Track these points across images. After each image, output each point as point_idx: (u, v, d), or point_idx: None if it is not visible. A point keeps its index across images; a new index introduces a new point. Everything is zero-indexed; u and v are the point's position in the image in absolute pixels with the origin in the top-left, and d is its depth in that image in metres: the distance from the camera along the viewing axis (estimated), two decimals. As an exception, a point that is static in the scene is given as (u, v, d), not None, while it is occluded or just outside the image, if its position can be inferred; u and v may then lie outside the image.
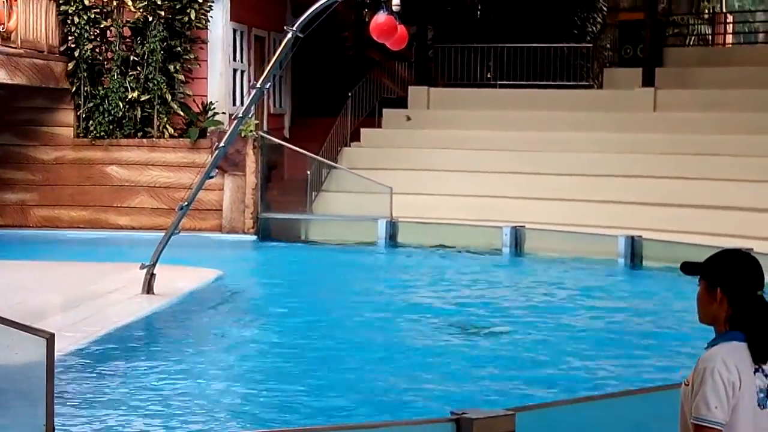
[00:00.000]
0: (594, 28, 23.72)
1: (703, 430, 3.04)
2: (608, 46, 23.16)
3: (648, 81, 17.80)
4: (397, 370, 8.25)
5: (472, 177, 16.16)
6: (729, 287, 3.16)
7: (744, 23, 26.37)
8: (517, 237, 14.15)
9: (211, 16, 15.79)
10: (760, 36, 25.58)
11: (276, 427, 6.57)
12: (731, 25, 25.10)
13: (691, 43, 23.77)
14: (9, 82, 14.02)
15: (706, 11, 26.39)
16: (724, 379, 3.05)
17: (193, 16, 15.46)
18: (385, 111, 18.82)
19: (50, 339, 4.60)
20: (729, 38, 24.22)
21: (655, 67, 18.04)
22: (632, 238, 13.27)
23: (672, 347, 9.04)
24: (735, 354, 3.11)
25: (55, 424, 4.53)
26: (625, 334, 9.79)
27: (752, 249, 11.44)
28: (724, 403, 3.05)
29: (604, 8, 24.29)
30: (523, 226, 14.30)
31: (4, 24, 13.68)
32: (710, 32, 24.31)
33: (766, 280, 3.26)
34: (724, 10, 26.41)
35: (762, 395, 3.15)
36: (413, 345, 9.16)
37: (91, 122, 15.55)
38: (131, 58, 15.52)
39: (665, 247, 12.56)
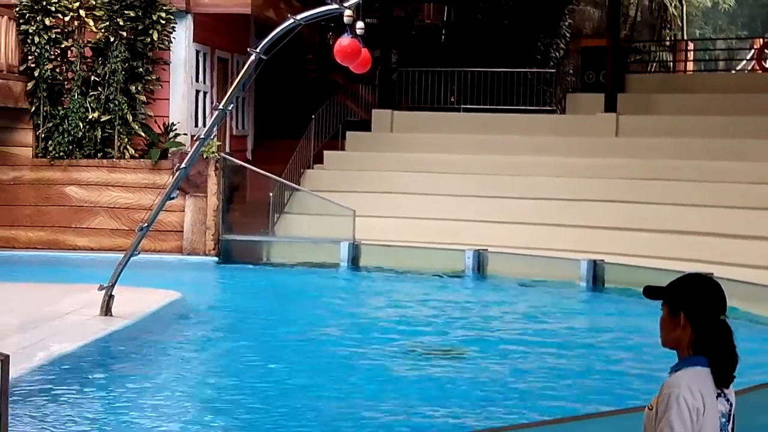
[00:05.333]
0: (557, 53, 24.02)
1: None
2: (571, 71, 23.47)
3: (610, 106, 18.00)
4: (351, 394, 8.20)
5: (435, 200, 16.21)
6: (692, 312, 3.19)
7: (704, 51, 26.86)
8: (480, 260, 14.22)
9: (174, 37, 15.79)
10: (720, 63, 26.07)
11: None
12: (692, 52, 25.55)
13: (652, 70, 24.14)
14: (-34, 100, 13.91)
15: (668, 39, 26.85)
16: (689, 404, 3.08)
17: (155, 36, 15.44)
18: (348, 134, 18.86)
19: (5, 361, 4.55)
20: (690, 65, 24.63)
21: (617, 92, 18.25)
22: (594, 261, 13.38)
23: (631, 370, 9.11)
24: (699, 379, 3.14)
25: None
26: (585, 356, 9.85)
27: (713, 273, 11.62)
28: (689, 428, 3.08)
29: (567, 34, 24.63)
30: (486, 250, 14.38)
31: (-38, 42, 13.58)
32: (671, 59, 24.70)
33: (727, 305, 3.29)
34: (685, 38, 26.88)
35: (723, 420, 3.19)
36: (370, 369, 9.11)
37: (50, 142, 15.44)
38: (92, 78, 15.45)
39: (627, 271, 12.67)
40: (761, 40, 25.25)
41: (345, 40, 10.07)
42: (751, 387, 5.99)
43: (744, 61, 25.05)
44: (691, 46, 25.85)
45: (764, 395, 5.85)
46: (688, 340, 3.18)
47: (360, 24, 10.06)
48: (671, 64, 24.42)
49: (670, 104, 18.15)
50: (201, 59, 16.75)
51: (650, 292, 3.29)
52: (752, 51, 24.66)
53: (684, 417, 3.07)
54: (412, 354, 9.82)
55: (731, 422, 3.24)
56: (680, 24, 27.77)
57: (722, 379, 3.17)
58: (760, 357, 8.86)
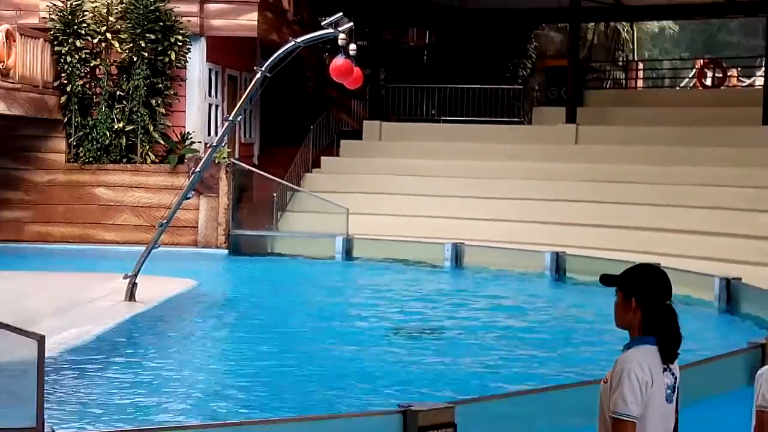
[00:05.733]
0: (524, 72, 24.06)
1: (620, 422, 3.08)
2: (536, 88, 23.50)
3: (570, 118, 18.06)
4: (349, 367, 8.19)
5: (418, 200, 16.22)
6: (642, 297, 3.20)
7: (652, 70, 26.94)
8: (458, 252, 14.21)
9: (190, 57, 15.74)
10: (666, 81, 26.15)
11: (238, 419, 6.51)
12: (642, 71, 25.63)
13: (607, 87, 24.21)
14: (7, 113, 13.85)
15: (620, 59, 26.92)
16: (639, 378, 3.09)
17: (173, 56, 15.40)
18: (342, 142, 18.86)
19: (41, 340, 4.54)
20: (640, 83, 24.71)
21: (576, 106, 18.30)
22: (557, 253, 13.39)
23: (588, 347, 9.13)
24: (648, 356, 3.15)
25: (44, 417, 4.45)
26: (548, 334, 9.86)
27: (660, 263, 11.67)
28: (639, 400, 3.09)
29: (533, 55, 24.69)
30: (463, 243, 14.37)
31: (3, 62, 13.53)
32: (624, 77, 24.77)
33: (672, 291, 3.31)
34: (635, 59, 26.94)
35: (669, 391, 3.21)
36: (363, 346, 9.09)
37: (81, 149, 15.38)
38: (117, 93, 15.41)
39: (585, 262, 12.69)
40: (701, 60, 25.35)
41: (339, 60, 10.08)
42: (692, 363, 6.02)
43: (686, 79, 25.13)
44: (641, 66, 25.93)
45: (705, 369, 5.87)
46: (639, 322, 3.19)
47: (352, 46, 10.07)
48: (624, 81, 24.48)
49: (622, 116, 18.23)
50: (213, 76, 16.71)
51: (606, 279, 3.31)
52: (694, 70, 24.74)
53: (635, 389, 3.09)
54: (397, 332, 9.82)
55: (675, 392, 3.27)
56: (631, 47, 27.84)
57: (668, 355, 3.18)
58: (700, 335, 8.91)
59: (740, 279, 10.68)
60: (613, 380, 3.16)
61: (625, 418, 3.09)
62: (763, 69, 17.99)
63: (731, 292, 10.51)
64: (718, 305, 10.58)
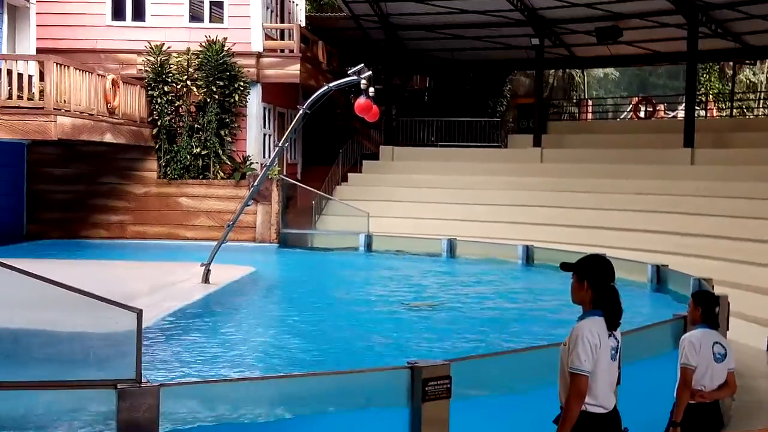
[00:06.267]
0: (501, 108, 24.01)
1: (576, 376, 3.10)
2: (510, 120, 23.45)
3: (537, 143, 18.01)
4: (367, 333, 8.17)
5: (422, 206, 16.23)
6: (592, 280, 3.22)
7: (599, 105, 26.77)
8: (451, 246, 14.14)
9: (249, 98, 15.79)
10: (610, 114, 26.00)
11: (289, 371, 6.51)
12: (591, 106, 25.50)
13: (564, 118, 24.11)
14: (114, 141, 13.95)
15: (574, 98, 26.79)
16: (590, 342, 3.12)
17: (237, 98, 15.45)
18: (364, 162, 18.87)
19: (139, 314, 4.53)
20: (590, 115, 24.59)
21: (541, 134, 18.26)
22: (527, 246, 13.32)
23: (552, 317, 9.10)
24: (596, 325, 3.18)
25: (141, 370, 4.48)
26: (521, 309, 9.80)
27: (606, 254, 11.60)
28: (590, 358, 3.12)
29: (508, 95, 24.63)
30: (455, 238, 14.34)
31: (111, 103, 13.61)
32: (577, 111, 24.66)
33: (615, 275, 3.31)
34: (586, 97, 26.81)
35: (613, 352, 3.23)
36: (379, 316, 9.08)
37: (168, 168, 15.45)
38: (195, 125, 15.46)
39: (548, 253, 12.62)
40: (636, 98, 25.18)
41: (362, 99, 10.08)
42: (630, 330, 5.98)
43: (625, 113, 24.97)
44: (590, 102, 25.80)
45: (641, 336, 5.80)
46: (589, 299, 3.21)
47: (372, 89, 10.07)
48: (577, 114, 24.37)
49: (576, 141, 18.16)
50: (267, 113, 16.74)
51: (564, 266, 3.33)
52: (630, 106, 24.59)
53: (587, 350, 3.11)
54: (405, 305, 9.80)
55: (618, 352, 3.28)
56: (583, 88, 27.69)
57: (612, 324, 3.20)
58: (636, 309, 8.85)
59: (667, 266, 10.61)
60: (570, 344, 3.17)
61: (580, 372, 3.11)
62: (684, 104, 17.85)
63: (660, 275, 10.45)
64: (650, 286, 10.51)
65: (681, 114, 21.68)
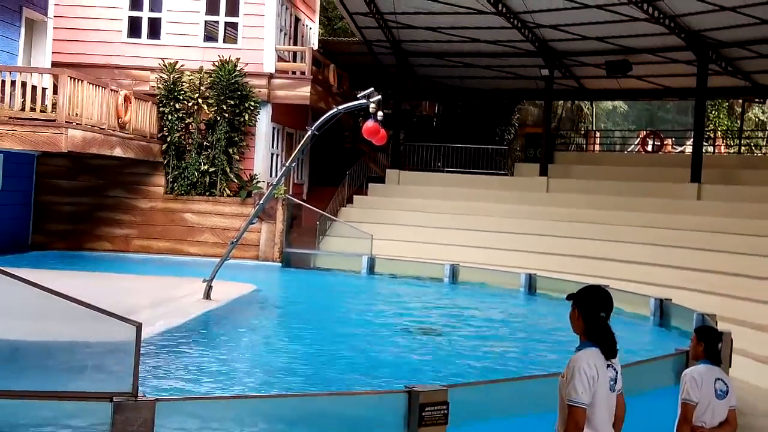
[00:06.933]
0: (509, 136, 24.11)
1: (574, 408, 3.08)
2: (518, 148, 23.53)
3: (543, 172, 18.03)
4: (366, 356, 8.15)
5: (426, 230, 16.21)
6: (582, 309, 3.22)
7: (607, 137, 26.86)
8: (454, 271, 14.11)
9: (259, 118, 15.91)
10: (617, 147, 26.07)
11: (286, 390, 6.49)
12: (598, 138, 25.57)
13: (571, 149, 24.18)
14: (123, 155, 14.05)
15: (582, 129, 26.89)
16: (587, 374, 3.09)
17: (247, 117, 15.58)
18: (370, 185, 18.91)
19: (139, 327, 4.53)
20: (597, 147, 24.65)
21: (548, 163, 18.28)
22: (530, 274, 13.28)
23: (552, 346, 9.03)
24: (593, 356, 3.15)
25: (138, 384, 4.46)
26: (521, 337, 9.74)
27: (608, 285, 11.55)
28: (588, 390, 3.08)
29: (516, 124, 24.74)
30: (459, 264, 14.30)
31: (122, 118, 13.75)
32: (585, 142, 24.72)
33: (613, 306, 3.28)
34: (594, 129, 26.91)
35: (612, 382, 3.19)
36: (379, 340, 9.05)
37: (175, 184, 15.52)
38: (204, 143, 15.57)
39: (551, 282, 12.58)
40: (644, 132, 25.26)
41: (370, 123, 10.14)
42: (631, 363, 5.92)
43: (633, 146, 25.04)
44: (598, 134, 25.87)
45: (642, 369, 5.73)
46: (582, 329, 3.20)
47: (380, 113, 10.14)
48: (584, 145, 24.44)
49: (583, 172, 18.17)
50: (276, 133, 16.81)
51: (568, 297, 3.32)
52: (638, 139, 24.66)
53: (584, 382, 3.08)
54: (406, 330, 9.77)
55: (617, 382, 3.25)
56: (591, 120, 27.81)
57: (607, 354, 3.17)
58: (638, 342, 8.78)
59: (671, 299, 10.54)
60: (567, 375, 3.15)
61: (577, 405, 3.08)
62: (692, 140, 17.88)
63: (663, 309, 10.38)
64: (653, 319, 10.44)
65: (689, 149, 21.71)
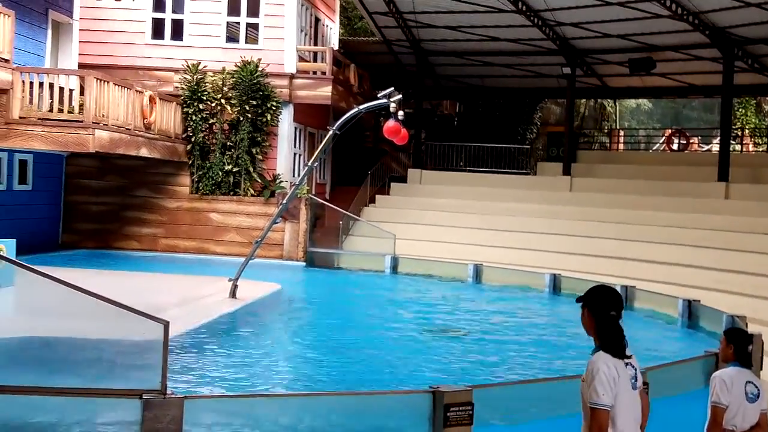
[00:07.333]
0: (531, 135, 23.94)
1: (596, 410, 3.05)
2: (540, 147, 23.36)
3: (566, 171, 17.88)
4: (390, 356, 8.14)
5: (449, 230, 16.16)
6: (592, 308, 3.19)
7: (631, 136, 26.53)
8: (478, 271, 14.05)
9: (281, 118, 16.00)
10: (642, 145, 25.74)
11: (305, 390, 6.49)
12: (622, 137, 25.28)
13: (595, 148, 23.93)
14: (149, 156, 14.24)
15: (606, 128, 26.60)
16: (607, 375, 3.06)
17: (269, 117, 15.68)
18: (392, 184, 18.91)
19: (166, 325, 4.59)
20: (621, 146, 24.37)
21: (571, 162, 18.12)
22: (554, 274, 13.17)
23: (576, 347, 8.93)
24: (610, 356, 3.13)
25: (167, 382, 4.51)
26: (546, 338, 9.65)
27: (634, 285, 11.40)
28: (609, 392, 3.05)
29: (538, 123, 24.56)
30: (482, 264, 14.24)
31: (147, 118, 13.92)
32: (608, 141, 24.45)
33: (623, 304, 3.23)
34: (617, 127, 26.59)
35: (633, 380, 3.16)
36: (402, 340, 9.03)
37: (200, 184, 15.67)
38: (228, 143, 15.69)
39: (576, 282, 12.46)
40: (669, 130, 24.90)
41: (391, 122, 10.13)
42: (660, 365, 5.83)
43: (657, 144, 24.69)
44: (621, 133, 25.57)
45: (671, 371, 5.65)
46: (594, 330, 3.17)
47: (401, 112, 10.12)
48: (608, 144, 24.17)
49: (606, 171, 17.98)
50: (298, 133, 16.89)
51: (577, 300, 3.29)
52: (663, 138, 24.32)
53: (604, 384, 3.05)
54: (430, 330, 9.74)
55: (638, 380, 3.22)
56: (614, 118, 27.49)
57: (616, 353, 3.13)
58: (667, 344, 8.66)
59: (699, 301, 10.38)
60: (588, 378, 3.12)
61: (599, 407, 3.06)
62: (719, 138, 17.59)
63: (692, 311, 10.22)
64: (681, 321, 10.29)
65: (715, 148, 21.36)
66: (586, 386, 3.10)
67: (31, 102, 12.02)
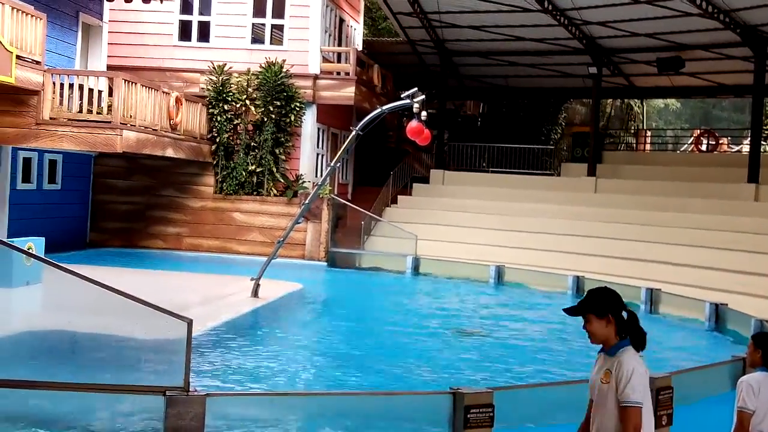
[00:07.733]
0: (556, 135, 23.73)
1: (631, 409, 3.06)
2: (565, 148, 23.13)
3: (591, 172, 17.69)
4: (411, 356, 8.12)
5: (471, 231, 16.10)
6: (613, 312, 3.16)
7: (658, 137, 26.16)
8: (500, 272, 14.00)
9: (304, 119, 16.09)
10: (669, 146, 25.35)
11: (327, 389, 6.51)
12: (649, 138, 24.93)
13: (621, 149, 23.63)
14: (174, 156, 14.41)
15: (632, 128, 26.25)
16: (641, 374, 3.09)
17: (293, 118, 15.77)
18: (414, 185, 18.89)
19: (190, 323, 4.66)
20: (648, 146, 24.04)
21: (596, 163, 17.93)
22: (577, 277, 13.06)
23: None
24: (634, 354, 3.15)
25: (190, 379, 4.56)
26: (568, 340, 9.52)
27: (661, 288, 11.20)
28: (642, 390, 3.10)
29: (563, 123, 24.33)
30: (504, 265, 14.16)
31: (173, 119, 14.10)
32: (635, 142, 24.14)
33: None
34: (644, 128, 26.23)
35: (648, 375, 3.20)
36: (424, 340, 9.02)
37: (224, 184, 15.82)
38: (252, 144, 15.82)
39: (599, 284, 12.32)
40: (698, 131, 24.49)
41: (414, 123, 10.14)
42: (687, 369, 5.73)
43: (686, 145, 24.30)
44: (648, 133, 25.22)
45: (698, 375, 5.55)
46: (614, 331, 3.14)
47: (424, 113, 10.11)
48: (634, 145, 23.85)
49: (632, 173, 17.76)
50: (321, 133, 16.95)
51: (573, 311, 3.21)
52: (692, 138, 23.92)
53: (641, 382, 3.06)
54: (451, 331, 9.70)
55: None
56: (641, 118, 27.13)
57: (641, 346, 3.12)
58: (693, 348, 8.51)
59: (727, 304, 10.19)
60: (617, 380, 3.10)
61: (635, 405, 3.06)
62: (749, 139, 17.24)
63: (719, 314, 10.04)
64: (708, 324, 10.11)
65: (745, 149, 20.94)
66: (617, 387, 3.09)
67: (61, 103, 12.26)
